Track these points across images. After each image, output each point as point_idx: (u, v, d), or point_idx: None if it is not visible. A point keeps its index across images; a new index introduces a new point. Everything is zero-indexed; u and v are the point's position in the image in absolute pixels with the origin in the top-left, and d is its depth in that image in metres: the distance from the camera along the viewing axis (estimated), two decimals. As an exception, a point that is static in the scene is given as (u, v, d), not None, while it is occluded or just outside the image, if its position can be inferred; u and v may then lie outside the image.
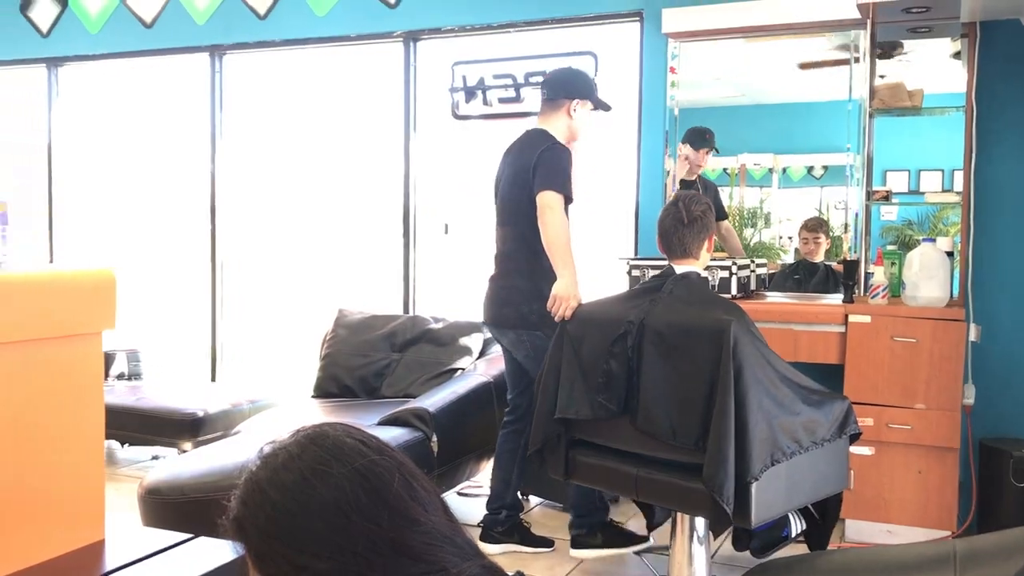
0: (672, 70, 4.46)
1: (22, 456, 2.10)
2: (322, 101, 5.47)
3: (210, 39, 5.48)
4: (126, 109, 5.91)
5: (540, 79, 4.61)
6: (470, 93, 4.95)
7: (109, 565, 2.13)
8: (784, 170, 4.51)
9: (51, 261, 5.96)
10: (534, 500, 4.34)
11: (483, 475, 4.17)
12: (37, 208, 6.12)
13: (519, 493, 3.73)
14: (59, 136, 6.04)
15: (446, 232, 5.17)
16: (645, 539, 3.48)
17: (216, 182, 5.57)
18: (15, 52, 6.01)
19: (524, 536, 3.64)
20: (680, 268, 2.91)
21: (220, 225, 5.60)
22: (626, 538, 3.49)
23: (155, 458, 5.05)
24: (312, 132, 5.52)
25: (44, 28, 5.91)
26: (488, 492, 3.70)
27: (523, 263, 3.44)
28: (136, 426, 4.70)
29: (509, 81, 4.87)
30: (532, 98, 4.72)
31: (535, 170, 3.34)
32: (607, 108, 3.64)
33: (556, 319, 3.13)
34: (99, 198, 6.05)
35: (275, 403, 4.95)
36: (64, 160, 6.06)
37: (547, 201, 3.29)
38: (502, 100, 4.91)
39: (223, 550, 2.15)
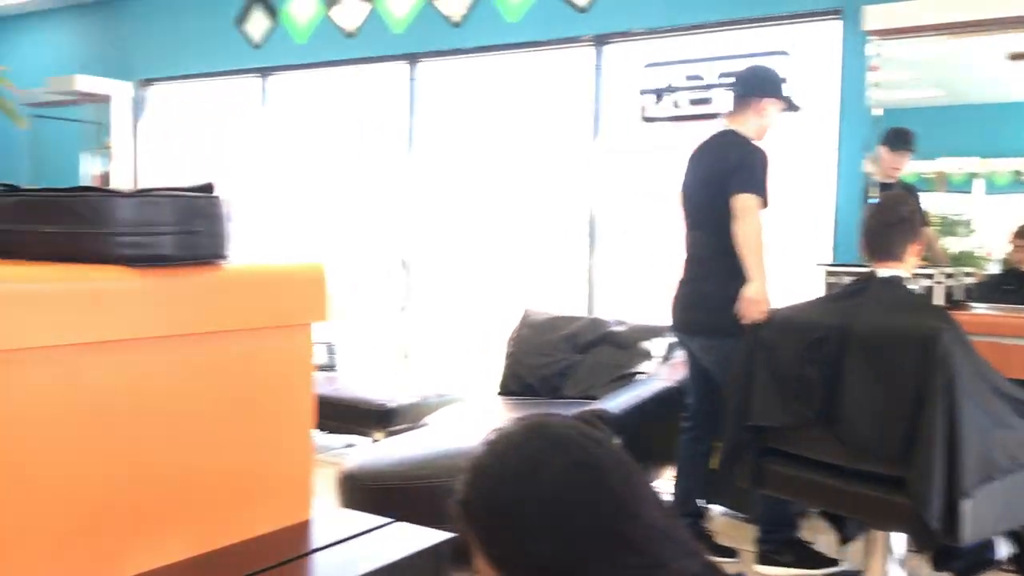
0: (873, 68, 4.26)
1: (239, 437, 2.25)
2: (509, 105, 5.59)
3: (407, 47, 5.70)
4: (328, 114, 6.24)
5: (731, 80, 4.53)
6: (659, 95, 4.92)
7: (316, 543, 2.26)
8: (988, 175, 4.23)
9: (261, 256, 6.36)
10: (716, 509, 4.25)
11: (663, 482, 4.13)
12: (250, 207, 6.57)
13: (701, 501, 3.67)
14: (269, 141, 6.45)
15: (628, 235, 5.16)
16: (835, 562, 3.34)
17: (411, 185, 5.79)
18: (231, 63, 6.47)
19: (707, 544, 3.59)
20: (884, 272, 2.78)
21: (413, 225, 5.81)
22: (817, 560, 3.36)
23: (348, 446, 5.31)
24: (500, 136, 5.64)
25: (257, 40, 6.33)
26: (669, 498, 3.67)
27: (715, 268, 3.39)
28: (332, 414, 4.95)
29: (699, 82, 4.81)
30: (721, 100, 4.64)
31: (733, 172, 3.29)
32: (797, 109, 3.53)
33: (745, 323, 3.06)
34: (302, 198, 6.42)
35: (461, 398, 5.09)
36: (273, 163, 6.46)
37: (744, 204, 3.23)
38: (692, 102, 4.85)
39: (421, 535, 2.23)
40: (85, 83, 6.70)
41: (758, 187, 3.25)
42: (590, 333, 4.80)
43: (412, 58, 5.73)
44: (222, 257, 2.16)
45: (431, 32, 5.60)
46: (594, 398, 4.31)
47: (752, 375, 2.86)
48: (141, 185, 7.03)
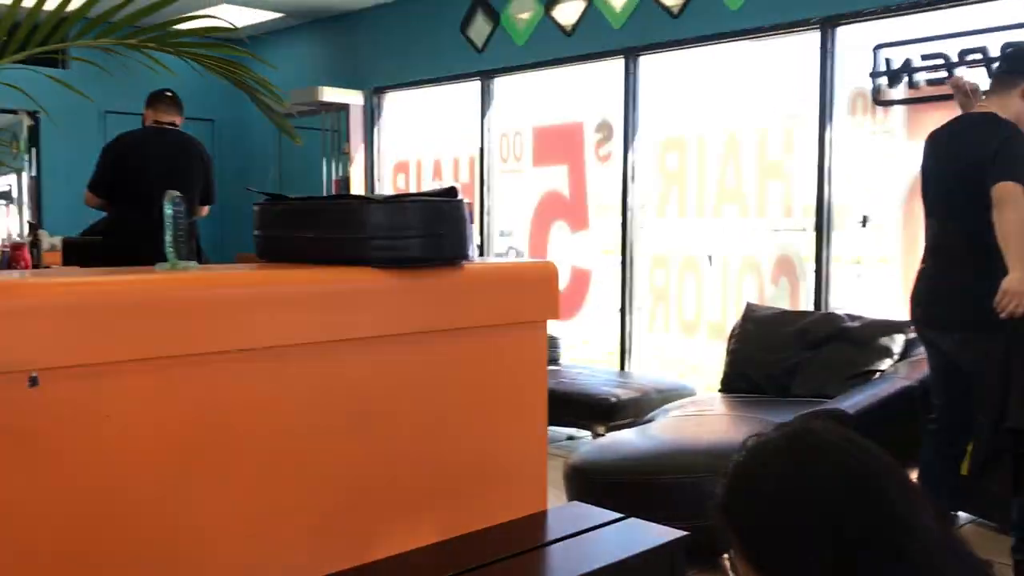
0: None
1: (480, 429, 2.35)
2: (731, 96, 5.46)
3: (625, 42, 5.71)
4: (547, 113, 6.35)
5: (978, 57, 4.21)
6: (894, 77, 4.65)
7: (552, 535, 2.32)
8: None
9: (481, 255, 6.59)
10: (964, 517, 3.98)
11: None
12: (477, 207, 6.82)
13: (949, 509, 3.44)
14: (489, 143, 6.66)
15: (864, 225, 4.90)
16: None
17: (630, 180, 5.79)
18: (456, 68, 6.73)
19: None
20: None
21: (633, 219, 5.81)
22: (1081, 571, 3.08)
23: (570, 438, 5.39)
24: (724, 127, 5.52)
25: (479, 44, 6.55)
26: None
27: (970, 260, 3.16)
28: (554, 407, 5.04)
29: (940, 61, 4.50)
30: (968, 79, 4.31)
31: (994, 160, 3.05)
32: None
33: (1003, 316, 2.84)
34: (519, 196, 6.58)
35: (682, 394, 5.04)
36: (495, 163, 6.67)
37: (1007, 193, 2.99)
38: (930, 83, 4.55)
39: (656, 532, 2.24)
40: (327, 94, 7.19)
41: (1022, 175, 3.01)
42: (822, 329, 4.62)
43: (630, 52, 5.72)
44: (464, 257, 2.26)
45: (650, 25, 5.58)
46: (827, 397, 4.14)
47: (1010, 374, 2.66)
48: (378, 189, 7.46)
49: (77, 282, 1.75)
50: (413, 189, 7.35)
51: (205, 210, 4.98)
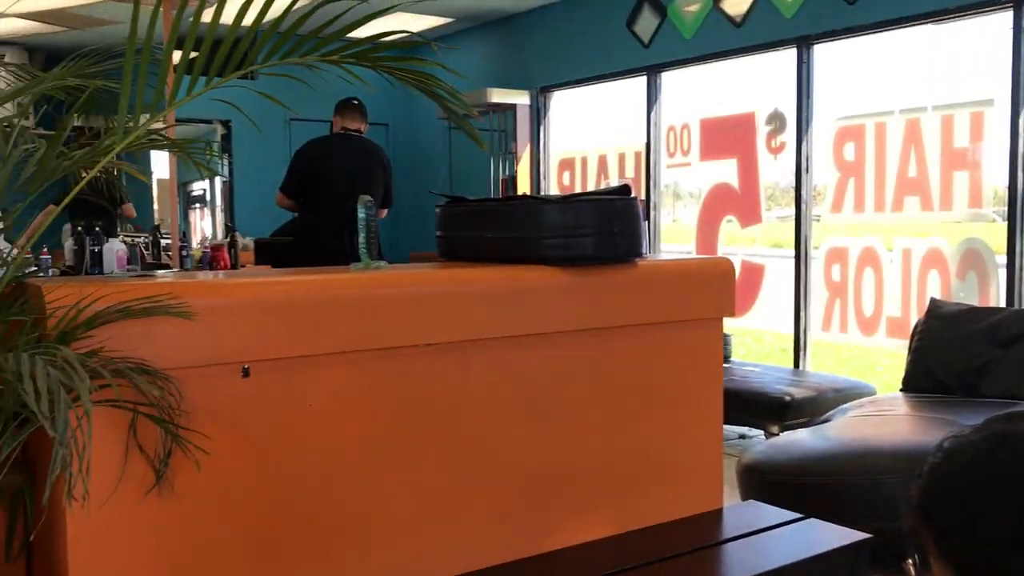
0: None
1: (655, 425, 2.37)
2: (910, 81, 5.21)
3: (798, 31, 5.55)
4: (708, 105, 6.26)
5: None
6: (1099, 55, 4.31)
7: (728, 532, 2.31)
8: None
9: (652, 252, 6.56)
10: None
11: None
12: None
13: None
14: (656, 138, 6.62)
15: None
16: None
17: (803, 172, 5.63)
18: (622, 64, 6.73)
19: None
20: None
21: (807, 212, 5.65)
22: None
23: (741, 437, 5.30)
24: (901, 113, 5.27)
25: (646, 39, 6.53)
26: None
27: None
28: (726, 406, 4.97)
29: None
30: None
31: None
32: None
33: None
34: (686, 190, 6.51)
35: (860, 393, 4.86)
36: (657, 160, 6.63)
37: None
38: None
39: (837, 533, 2.19)
40: (495, 95, 7.36)
41: None
42: (1014, 326, 4.34)
43: (803, 41, 5.55)
44: (638, 255, 2.29)
45: (824, 12, 5.40)
46: (1020, 399, 3.89)
47: None
48: (544, 187, 7.56)
49: (282, 281, 1.89)
50: (579, 186, 7.40)
51: (384, 213, 5.21)
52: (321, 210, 4.80)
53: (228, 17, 1.70)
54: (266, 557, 1.81)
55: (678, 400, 2.39)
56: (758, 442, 4.69)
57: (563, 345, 2.18)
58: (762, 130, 5.92)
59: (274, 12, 1.62)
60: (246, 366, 1.75)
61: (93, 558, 1.63)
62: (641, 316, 2.29)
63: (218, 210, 9.34)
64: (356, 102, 4.99)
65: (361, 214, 2.05)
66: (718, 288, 2.45)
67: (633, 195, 2.29)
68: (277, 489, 1.81)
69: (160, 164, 7.34)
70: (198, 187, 9.70)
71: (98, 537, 1.62)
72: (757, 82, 5.97)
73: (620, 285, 2.25)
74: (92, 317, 1.52)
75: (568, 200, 2.17)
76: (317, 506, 1.86)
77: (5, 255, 2.04)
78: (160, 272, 1.92)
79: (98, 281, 1.72)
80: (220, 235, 8.36)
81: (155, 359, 1.59)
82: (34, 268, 3.74)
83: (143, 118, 1.66)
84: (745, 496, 3.43)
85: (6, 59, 8.34)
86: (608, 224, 2.20)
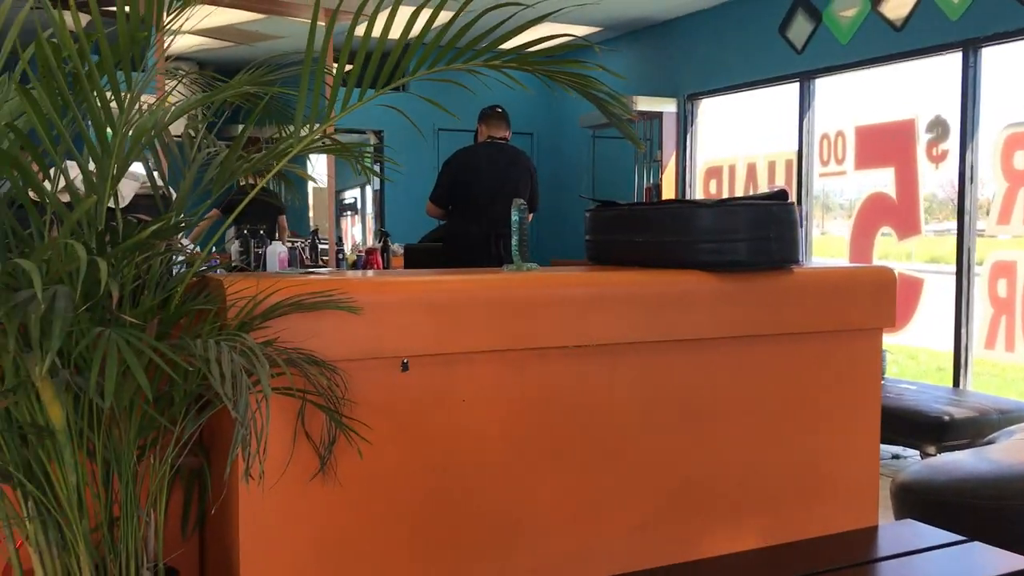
0: None
1: (808, 437, 2.31)
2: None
3: (964, 33, 5.29)
4: (864, 112, 6.03)
5: None
6: None
7: (884, 551, 2.23)
8: None
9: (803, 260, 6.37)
10: None
11: None
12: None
13: None
14: (809, 146, 6.44)
15: None
16: None
17: (968, 181, 5.36)
18: (773, 70, 6.59)
19: None
20: None
21: (971, 224, 5.37)
22: None
23: (895, 457, 5.08)
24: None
25: (799, 45, 6.36)
26: None
27: None
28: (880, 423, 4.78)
29: None
30: None
31: None
32: None
33: None
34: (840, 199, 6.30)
35: (1029, 416, 4.57)
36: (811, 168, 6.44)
37: None
38: None
39: (1002, 559, 2.08)
40: (641, 103, 7.33)
41: None
42: None
43: (970, 44, 5.29)
44: (794, 262, 2.24)
45: (993, 13, 5.12)
46: None
47: None
48: (688, 196, 7.47)
49: (441, 280, 1.96)
50: (726, 194, 7.28)
51: (530, 217, 5.27)
52: (469, 217, 4.91)
53: (379, 30, 1.76)
54: (421, 542, 1.87)
55: (834, 412, 2.33)
56: (914, 462, 4.49)
57: (715, 352, 2.16)
58: (923, 138, 5.67)
59: (422, 20, 1.67)
60: (405, 360, 1.82)
61: (262, 536, 1.72)
62: (797, 324, 2.24)
63: (368, 216, 9.68)
64: (500, 110, 5.08)
65: (514, 216, 2.10)
66: (879, 297, 2.37)
67: (790, 200, 2.25)
68: (431, 479, 1.87)
69: (316, 172, 7.68)
70: (349, 195, 10.07)
71: (267, 517, 1.72)
72: (918, 87, 5.72)
73: (775, 292, 2.21)
74: (268, 309, 1.61)
75: (723, 204, 2.15)
76: (468, 498, 1.91)
77: (188, 251, 2.19)
78: (323, 270, 2.02)
79: (272, 276, 1.82)
80: (371, 240, 8.64)
81: (323, 351, 1.68)
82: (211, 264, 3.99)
83: (310, 128, 1.76)
84: (899, 517, 3.29)
85: (179, 72, 8.91)
86: (764, 229, 2.16)
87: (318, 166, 6.50)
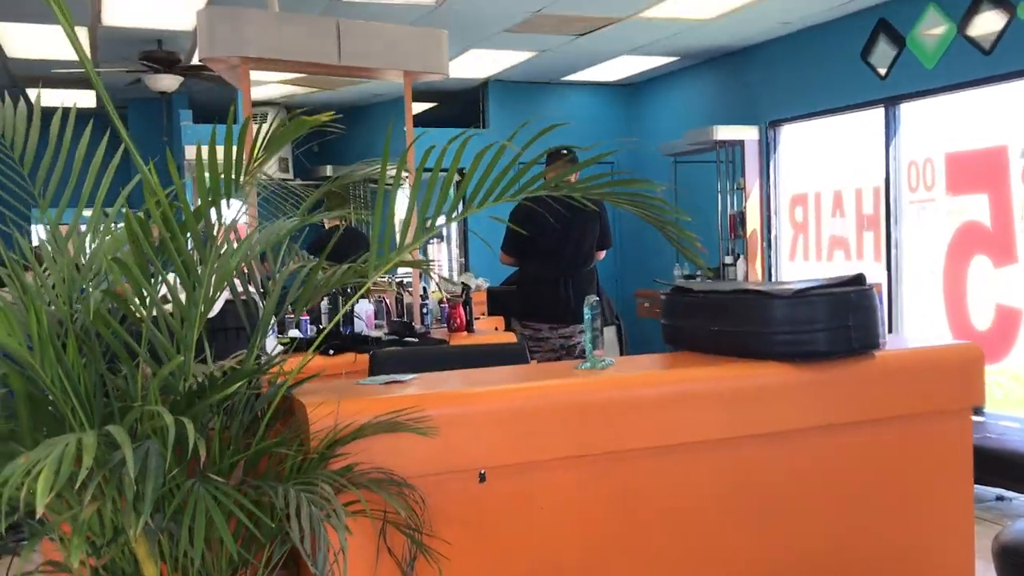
0: None
1: (896, 522, 2.26)
2: None
3: (1058, 55, 5.09)
4: (954, 138, 5.85)
5: None
6: None
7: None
8: None
9: (891, 293, 6.21)
10: None
11: None
12: (867, 248, 6.46)
13: None
14: (896, 173, 6.28)
15: None
16: None
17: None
18: (856, 96, 6.44)
19: None
20: None
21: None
22: None
23: (999, 499, 4.89)
24: None
25: (883, 70, 6.21)
26: None
27: None
28: (980, 465, 4.61)
29: None
30: None
31: None
32: None
33: None
34: (931, 228, 6.11)
35: None
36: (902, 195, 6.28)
37: None
38: None
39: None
40: (720, 132, 7.25)
41: None
42: None
43: (1065, 65, 5.09)
44: (874, 347, 2.20)
45: (1089, 34, 4.92)
46: None
47: None
48: (774, 223, 7.35)
49: (515, 389, 1.99)
50: (812, 223, 7.13)
51: (602, 254, 5.28)
52: (538, 264, 4.97)
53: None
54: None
55: (923, 497, 2.27)
56: (1020, 506, 4.32)
57: (796, 443, 2.14)
58: (1016, 164, 5.47)
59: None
60: (483, 471, 1.85)
61: (349, 651, 1.78)
62: (879, 411, 2.20)
63: (454, 246, 9.81)
64: (566, 152, 5.10)
65: (587, 315, 2.11)
66: (966, 376, 2.31)
67: (868, 285, 2.21)
68: (512, 587, 1.90)
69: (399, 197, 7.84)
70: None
71: (353, 631, 1.77)
72: (1010, 112, 5.52)
73: (856, 380, 2.17)
74: (348, 436, 1.67)
75: (800, 295, 2.13)
76: (549, 603, 1.93)
77: (271, 353, 2.27)
78: (409, 377, 2.07)
79: (352, 393, 1.88)
80: (456, 274, 8.74)
81: (401, 468, 1.72)
82: (295, 335, 4.10)
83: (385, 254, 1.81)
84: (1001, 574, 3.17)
85: (268, 118, 9.21)
86: (842, 318, 2.13)
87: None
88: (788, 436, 2.13)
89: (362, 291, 1.87)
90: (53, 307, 1.53)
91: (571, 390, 1.99)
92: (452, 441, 1.83)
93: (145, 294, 1.49)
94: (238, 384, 1.48)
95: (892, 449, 2.23)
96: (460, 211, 1.79)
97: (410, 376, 2.05)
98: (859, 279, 2.22)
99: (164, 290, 1.64)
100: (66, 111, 1.81)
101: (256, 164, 1.66)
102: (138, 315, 1.49)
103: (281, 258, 2.02)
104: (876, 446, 2.21)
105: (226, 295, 2.24)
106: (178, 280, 1.58)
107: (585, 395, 1.98)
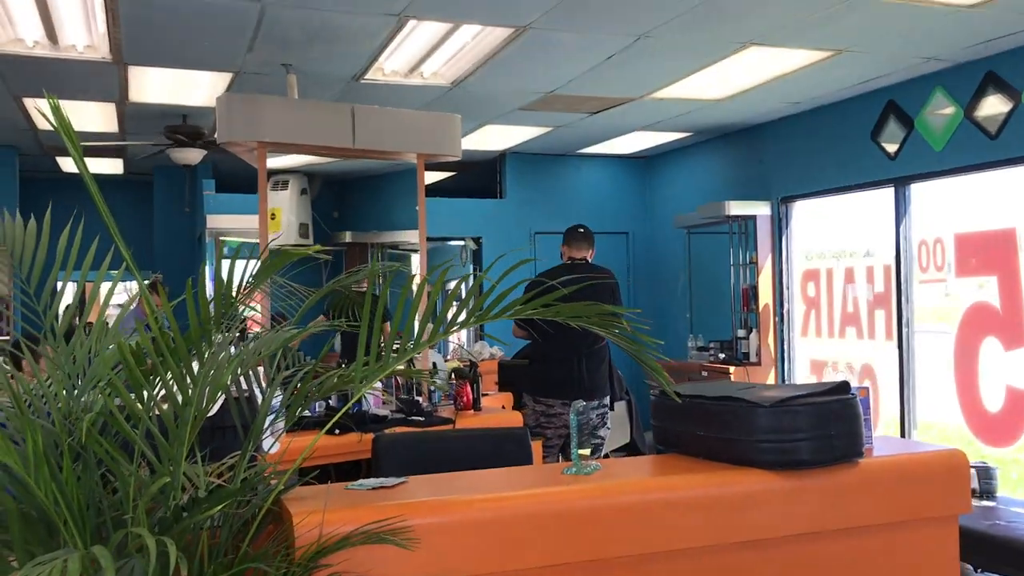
0: None
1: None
2: None
3: (1061, 143, 5.15)
4: (963, 219, 5.88)
5: None
6: None
7: None
8: None
9: (902, 368, 6.20)
10: None
11: None
12: (878, 326, 6.47)
13: None
14: (907, 252, 6.31)
15: None
16: None
17: (1073, 292, 5.15)
18: (866, 175, 6.51)
19: None
20: None
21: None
22: None
23: (1010, 589, 4.82)
24: None
25: (892, 151, 6.28)
26: None
27: None
28: (989, 552, 4.56)
29: None
30: None
31: None
32: None
33: None
34: (942, 308, 6.12)
35: None
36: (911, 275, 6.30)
37: None
38: None
39: None
40: (732, 207, 7.34)
41: None
42: None
43: (1070, 152, 5.14)
44: (858, 456, 2.23)
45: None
46: None
47: None
48: (787, 297, 7.38)
49: (497, 498, 2.03)
50: (824, 298, 7.16)
51: (615, 328, 5.31)
52: (551, 340, 5.00)
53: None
54: None
55: (908, 606, 2.28)
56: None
57: (779, 550, 2.16)
58: (1025, 247, 5.50)
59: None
60: (467, 581, 1.89)
61: None
62: (863, 518, 2.22)
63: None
64: (582, 230, 5.17)
65: (573, 421, 2.16)
66: (951, 483, 2.33)
67: (852, 393, 2.25)
68: None
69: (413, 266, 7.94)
70: (450, 285, 10.30)
71: None
72: (1018, 195, 5.56)
73: (839, 488, 2.20)
74: (333, 546, 1.72)
75: (783, 404, 2.17)
76: None
77: (268, 452, 2.33)
78: (395, 481, 2.12)
79: (338, 501, 1.93)
80: (469, 340, 8.79)
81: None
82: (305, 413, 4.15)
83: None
84: None
85: (290, 185, 9.40)
86: (825, 427, 2.17)
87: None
88: (773, 544, 2.15)
89: (355, 399, 1.93)
90: (52, 416, 1.61)
91: (555, 499, 2.03)
92: (437, 550, 1.87)
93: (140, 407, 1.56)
94: (224, 504, 1.54)
95: (877, 557, 2.24)
96: (465, 320, 1.84)
97: (396, 481, 2.10)
98: (843, 387, 2.26)
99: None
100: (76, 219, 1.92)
101: (244, 295, 1.74)
102: (132, 423, 1.56)
103: (276, 363, 2.09)
104: (861, 554, 2.23)
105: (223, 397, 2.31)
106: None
107: (569, 503, 2.02)
